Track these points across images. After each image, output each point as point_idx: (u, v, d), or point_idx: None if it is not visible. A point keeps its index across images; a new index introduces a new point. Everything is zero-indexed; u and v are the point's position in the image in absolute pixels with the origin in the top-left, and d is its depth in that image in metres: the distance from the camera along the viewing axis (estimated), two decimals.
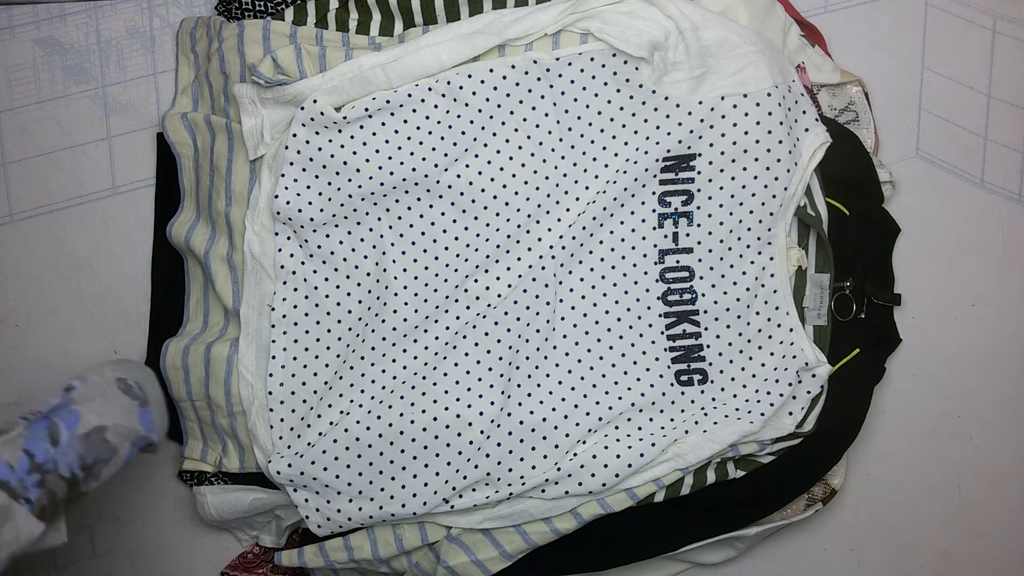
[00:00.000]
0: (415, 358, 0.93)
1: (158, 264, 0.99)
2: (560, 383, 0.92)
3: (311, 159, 0.91)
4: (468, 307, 0.93)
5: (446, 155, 0.92)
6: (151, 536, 1.00)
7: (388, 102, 0.91)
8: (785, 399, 0.91)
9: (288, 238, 0.92)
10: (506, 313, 0.92)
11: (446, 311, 0.92)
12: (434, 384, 0.91)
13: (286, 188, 0.91)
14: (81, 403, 0.79)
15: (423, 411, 0.91)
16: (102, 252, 0.99)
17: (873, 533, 1.01)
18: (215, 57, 0.93)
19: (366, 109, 0.90)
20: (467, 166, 0.92)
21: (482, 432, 0.90)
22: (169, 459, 0.99)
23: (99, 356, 0.99)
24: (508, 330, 0.92)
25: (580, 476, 0.90)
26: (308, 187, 0.91)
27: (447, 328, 0.92)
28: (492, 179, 0.92)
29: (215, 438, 0.95)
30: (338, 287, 0.93)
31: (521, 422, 0.90)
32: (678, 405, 0.92)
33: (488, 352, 0.92)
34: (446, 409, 0.91)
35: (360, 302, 0.93)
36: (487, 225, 0.92)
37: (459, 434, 0.91)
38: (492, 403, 0.91)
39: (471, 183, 0.92)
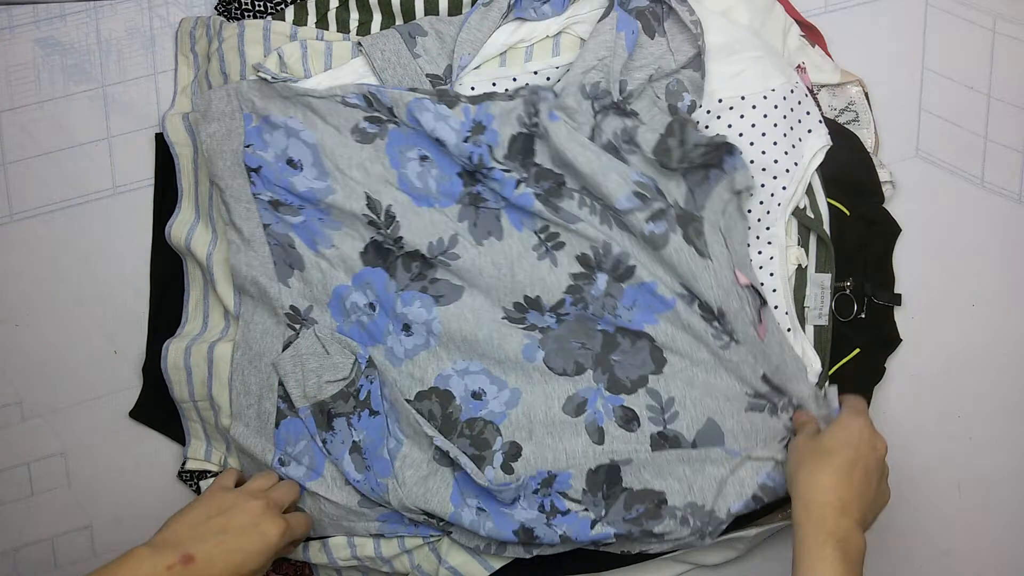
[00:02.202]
0: None
1: (157, 264, 0.99)
2: None
3: None
4: None
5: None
6: (151, 536, 1.00)
7: None
8: None
9: None
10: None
11: None
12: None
13: None
14: None
15: None
16: (102, 252, 0.99)
17: (873, 533, 1.00)
18: (215, 57, 0.93)
19: None
20: None
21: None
22: (169, 459, 0.99)
23: (99, 356, 0.99)
24: None
25: None
26: None
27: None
28: None
29: (219, 438, 0.95)
30: None
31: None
32: None
33: None
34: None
35: None
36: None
37: None
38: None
39: None
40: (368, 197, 0.88)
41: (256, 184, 0.89)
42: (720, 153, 0.87)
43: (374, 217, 0.88)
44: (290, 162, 0.88)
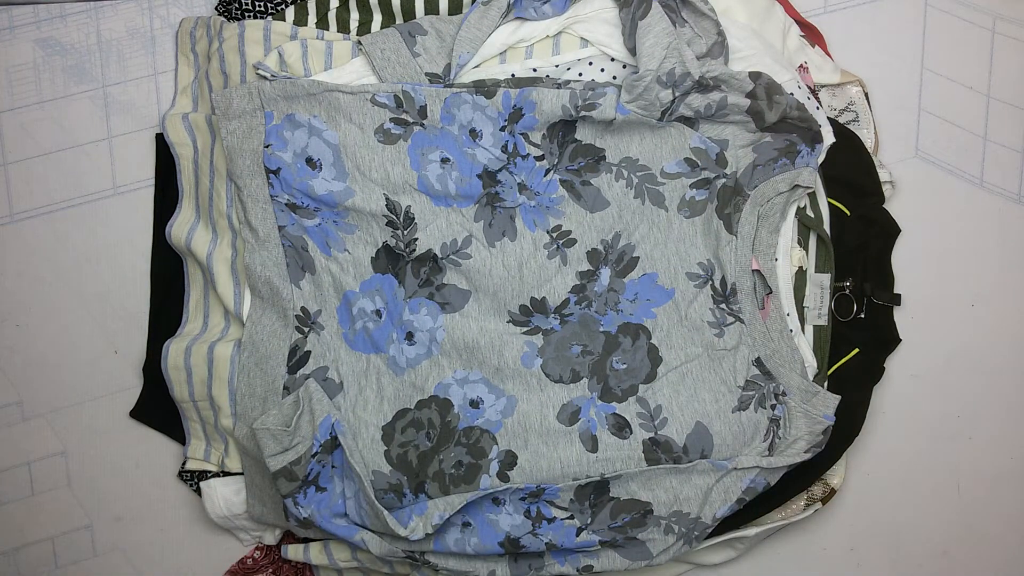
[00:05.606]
0: None
1: (157, 264, 0.99)
2: None
3: None
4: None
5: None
6: (151, 536, 1.00)
7: None
8: None
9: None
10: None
11: None
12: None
13: None
14: None
15: None
16: (102, 252, 0.99)
17: (873, 533, 1.01)
18: (215, 57, 0.93)
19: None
20: None
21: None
22: (169, 459, 0.99)
23: (99, 356, 0.99)
24: None
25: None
26: None
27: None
28: None
29: (217, 438, 0.95)
30: None
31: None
32: None
33: None
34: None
35: None
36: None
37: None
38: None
39: None
40: (387, 199, 0.89)
41: (274, 186, 0.89)
42: (810, 136, 0.90)
43: (393, 218, 0.89)
44: (309, 161, 0.89)
